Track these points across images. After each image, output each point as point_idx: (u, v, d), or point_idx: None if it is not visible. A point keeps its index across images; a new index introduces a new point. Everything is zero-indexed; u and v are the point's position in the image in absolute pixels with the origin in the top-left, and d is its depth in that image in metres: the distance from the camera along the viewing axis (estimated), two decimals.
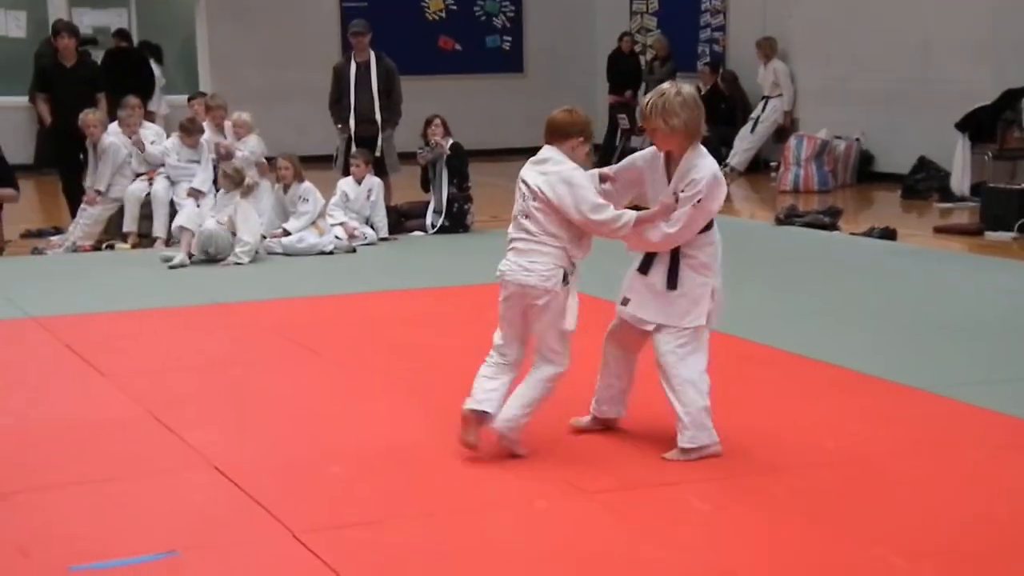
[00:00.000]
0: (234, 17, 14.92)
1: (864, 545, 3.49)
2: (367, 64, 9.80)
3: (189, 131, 9.35)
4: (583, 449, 4.37)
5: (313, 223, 8.87)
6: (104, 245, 9.19)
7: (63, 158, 9.81)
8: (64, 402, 5.11)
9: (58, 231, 9.57)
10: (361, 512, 3.82)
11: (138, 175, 9.37)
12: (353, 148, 9.67)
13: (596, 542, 3.58)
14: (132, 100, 9.65)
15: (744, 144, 13.84)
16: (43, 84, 10.08)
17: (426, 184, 9.85)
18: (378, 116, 9.76)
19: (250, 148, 9.55)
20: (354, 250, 8.91)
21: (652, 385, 4.40)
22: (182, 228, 8.58)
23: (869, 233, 9.29)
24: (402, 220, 9.79)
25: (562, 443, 4.43)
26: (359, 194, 9.35)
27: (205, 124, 9.58)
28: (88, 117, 9.21)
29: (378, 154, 9.74)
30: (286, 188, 8.96)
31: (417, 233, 9.67)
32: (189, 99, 11.33)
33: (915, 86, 12.12)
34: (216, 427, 4.69)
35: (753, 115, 13.86)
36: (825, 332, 6.18)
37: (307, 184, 8.94)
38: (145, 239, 9.21)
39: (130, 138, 9.33)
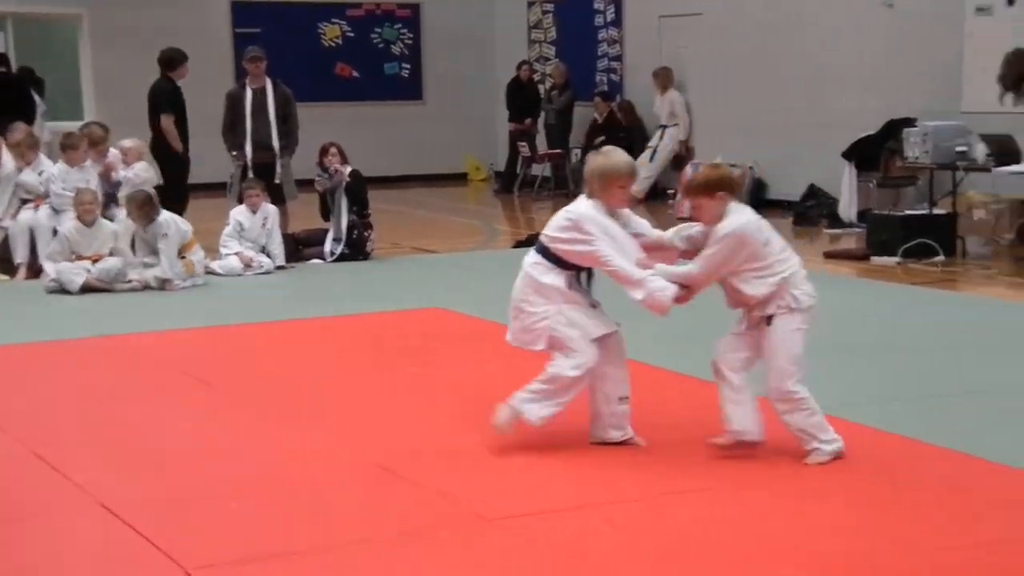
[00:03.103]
0: (119, 42, 14.59)
1: (770, 566, 3.51)
2: (263, 91, 9.68)
3: (73, 145, 9.10)
4: (490, 475, 4.33)
5: (182, 258, 8.47)
6: None
7: None
8: None
9: None
10: (258, 547, 3.71)
11: (24, 202, 9.08)
12: (249, 176, 9.53)
13: (502, 571, 3.53)
14: (23, 126, 9.39)
15: (643, 172, 13.97)
16: None
17: (326, 212, 9.75)
18: (276, 143, 9.63)
19: (134, 172, 9.35)
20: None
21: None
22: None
23: None
24: (300, 248, 9.67)
25: (471, 470, 4.38)
26: (254, 223, 9.20)
27: (89, 157, 9.32)
28: None
29: (277, 181, 9.60)
30: (145, 228, 8.58)
31: (315, 261, 9.55)
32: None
33: (805, 116, 12.44)
34: (104, 465, 4.52)
35: (651, 144, 14.06)
36: None
37: (163, 217, 8.44)
38: (30, 269, 8.91)
39: (28, 164, 9.07)
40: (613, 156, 4.56)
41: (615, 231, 4.47)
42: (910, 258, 9.30)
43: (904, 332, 6.84)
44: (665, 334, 6.03)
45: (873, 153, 11.26)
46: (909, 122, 10.65)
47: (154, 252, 8.42)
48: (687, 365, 5.86)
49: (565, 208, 4.57)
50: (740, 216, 4.41)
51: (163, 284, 8.35)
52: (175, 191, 9.81)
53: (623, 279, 4.43)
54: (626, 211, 4.64)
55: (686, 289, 4.46)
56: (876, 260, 9.47)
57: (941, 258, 9.29)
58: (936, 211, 9.93)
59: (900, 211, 10.15)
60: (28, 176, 9.05)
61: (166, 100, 10.10)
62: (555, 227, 4.53)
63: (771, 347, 4.40)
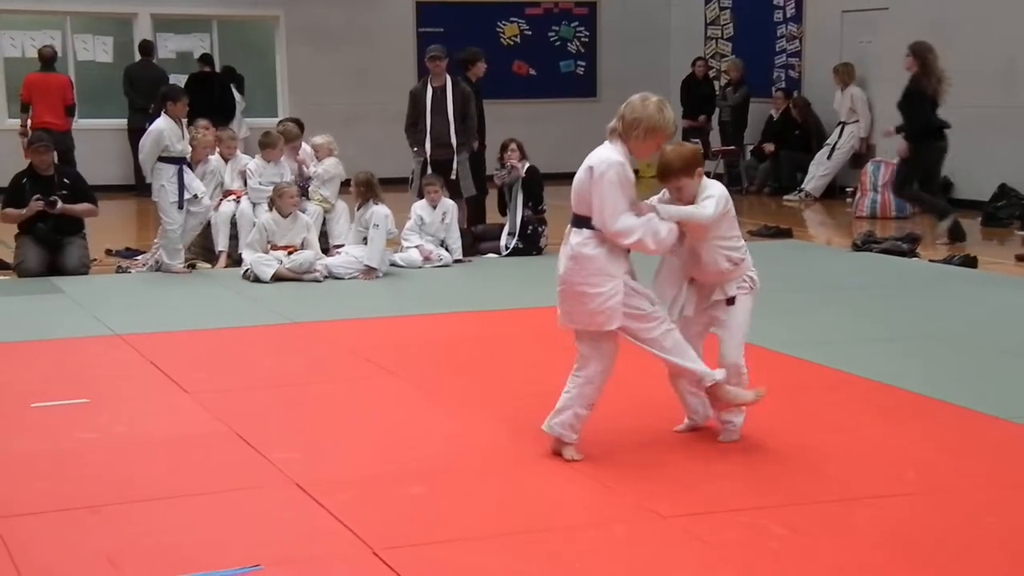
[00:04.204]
0: (312, 42, 15.19)
1: None
2: (443, 88, 9.92)
3: (271, 144, 9.54)
4: (656, 471, 4.37)
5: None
6: (186, 264, 9.36)
7: None
8: (150, 418, 5.22)
9: (131, 251, 9.79)
10: (440, 530, 3.86)
11: (227, 194, 9.59)
12: (428, 171, 9.79)
13: (675, 568, 3.57)
14: (203, 123, 9.99)
15: (820, 170, 13.74)
16: None
17: (503, 206, 9.93)
18: (453, 140, 9.86)
19: (324, 168, 9.73)
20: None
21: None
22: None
23: (949, 260, 9.16)
24: (476, 242, 9.88)
25: (642, 465, 4.43)
26: (434, 217, 9.45)
27: (284, 153, 9.75)
28: (200, 137, 9.46)
29: (453, 177, 9.84)
30: (359, 207, 9.05)
31: (491, 255, 9.74)
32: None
33: (997, 112, 11.93)
34: (296, 445, 4.76)
35: (829, 141, 13.76)
36: (904, 359, 6.10)
37: (380, 209, 8.86)
38: (229, 258, 9.38)
39: (226, 161, 9.62)
40: (665, 111, 4.32)
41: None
42: None
43: None
44: (834, 333, 5.92)
45: None
46: None
47: (363, 239, 8.85)
48: (853, 364, 5.73)
49: (593, 155, 4.36)
50: (718, 185, 4.52)
51: (365, 272, 8.69)
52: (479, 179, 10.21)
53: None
54: None
55: (681, 230, 4.44)
56: None
57: None
58: None
59: None
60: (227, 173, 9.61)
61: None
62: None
63: (732, 324, 4.55)
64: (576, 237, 4.38)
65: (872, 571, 3.53)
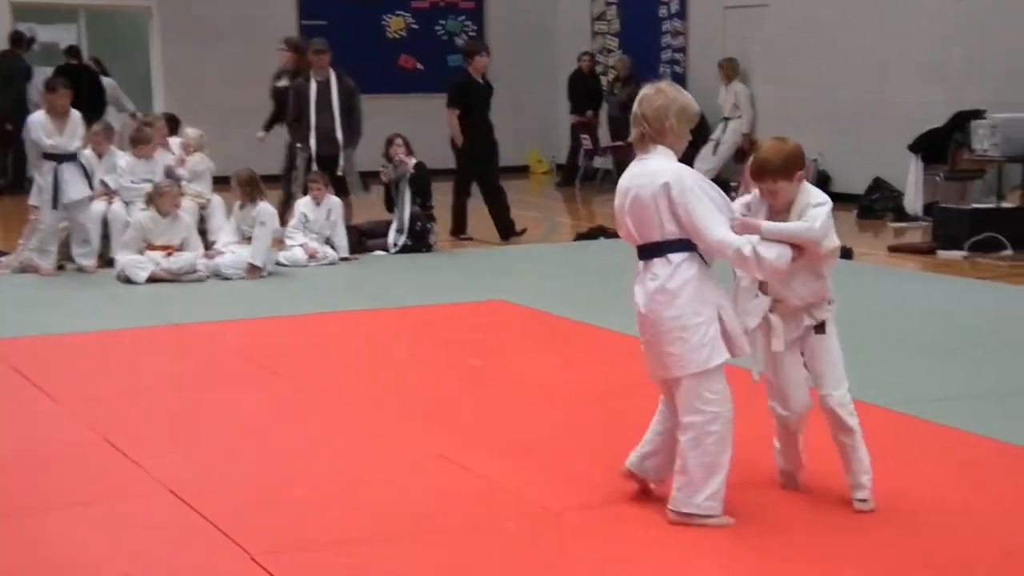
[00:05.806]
0: (189, 34, 14.81)
1: (827, 561, 3.49)
2: (327, 83, 9.76)
3: (144, 139, 9.23)
4: (546, 467, 4.33)
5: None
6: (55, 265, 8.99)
7: None
8: (14, 428, 4.98)
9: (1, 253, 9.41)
10: (321, 534, 3.76)
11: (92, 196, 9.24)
12: (313, 168, 9.62)
13: (568, 563, 3.53)
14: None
15: (706, 165, 13.89)
16: None
17: (390, 203, 9.81)
18: (339, 135, 9.70)
19: (190, 164, 9.48)
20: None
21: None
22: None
23: None
24: (363, 239, 9.74)
25: (532, 462, 4.39)
26: (318, 215, 9.29)
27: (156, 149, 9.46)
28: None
29: (340, 173, 9.68)
30: (242, 206, 8.86)
31: (378, 252, 9.62)
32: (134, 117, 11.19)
33: (870, 108, 12.27)
34: (172, 451, 4.60)
35: (713, 136, 13.96)
36: None
37: (265, 207, 8.73)
38: (102, 259, 9.06)
39: (100, 156, 9.26)
40: (684, 92, 3.79)
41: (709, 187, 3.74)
42: (977, 252, 9.18)
43: (970, 327, 6.73)
44: None
45: (940, 145, 11.12)
46: (977, 114, 10.50)
47: (246, 238, 8.65)
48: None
49: (646, 171, 3.72)
50: (821, 193, 3.84)
51: (250, 271, 8.49)
52: (463, 180, 10.26)
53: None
54: None
55: (796, 250, 3.72)
56: (942, 254, 9.36)
57: (1009, 252, 9.16)
58: (1005, 204, 9.80)
59: (967, 204, 10.02)
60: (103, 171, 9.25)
61: (455, 93, 10.37)
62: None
63: (830, 357, 3.87)
64: (663, 268, 3.69)
65: (767, 558, 3.55)
